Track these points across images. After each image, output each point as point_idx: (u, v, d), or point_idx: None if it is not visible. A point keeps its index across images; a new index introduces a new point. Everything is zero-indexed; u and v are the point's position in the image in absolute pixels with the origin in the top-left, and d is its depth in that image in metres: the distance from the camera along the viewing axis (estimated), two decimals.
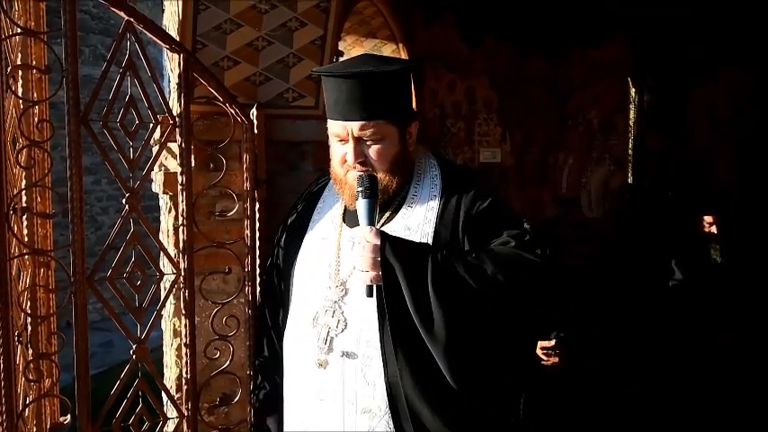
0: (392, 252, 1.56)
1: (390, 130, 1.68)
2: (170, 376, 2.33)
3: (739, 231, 5.28)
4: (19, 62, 1.92)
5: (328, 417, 1.65)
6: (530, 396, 1.74)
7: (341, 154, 1.71)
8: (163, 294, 1.98)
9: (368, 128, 1.65)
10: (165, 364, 2.37)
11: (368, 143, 1.67)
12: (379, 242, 1.57)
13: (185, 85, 1.90)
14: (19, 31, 1.76)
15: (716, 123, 5.66)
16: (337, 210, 1.82)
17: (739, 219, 5.34)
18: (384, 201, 1.71)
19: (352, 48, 4.22)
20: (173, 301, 2.24)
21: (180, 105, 1.90)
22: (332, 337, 1.65)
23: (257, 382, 1.96)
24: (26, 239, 1.94)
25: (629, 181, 5.83)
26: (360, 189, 1.62)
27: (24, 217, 1.96)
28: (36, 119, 2.01)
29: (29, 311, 1.94)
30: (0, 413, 1.58)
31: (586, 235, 5.43)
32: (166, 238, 2.29)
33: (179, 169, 1.92)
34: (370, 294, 1.58)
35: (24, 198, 1.95)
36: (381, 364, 1.60)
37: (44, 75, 2.01)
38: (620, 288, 5.07)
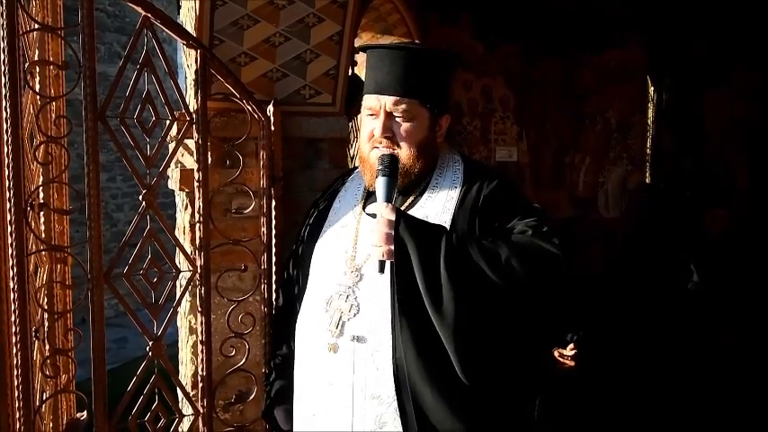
0: (406, 228, 1.56)
1: (422, 112, 1.70)
2: (185, 373, 2.32)
3: (754, 230, 5.23)
4: (36, 58, 1.92)
5: (338, 402, 1.65)
6: (545, 398, 1.71)
7: (369, 129, 1.72)
8: (179, 291, 1.98)
9: (401, 104, 1.67)
10: (180, 361, 2.37)
11: (398, 120, 1.69)
12: (393, 217, 1.57)
13: (202, 81, 1.90)
14: (36, 26, 1.76)
15: (733, 123, 5.59)
16: (359, 199, 1.83)
17: (754, 217, 5.29)
18: (404, 187, 1.71)
19: None
20: (188, 299, 2.23)
21: (197, 102, 1.90)
22: (343, 322, 1.65)
23: (271, 378, 1.96)
24: (43, 235, 1.94)
25: (647, 181, 5.78)
26: (380, 168, 1.64)
27: (42, 213, 1.96)
28: (53, 115, 2.01)
29: (46, 307, 1.94)
30: (17, 408, 1.58)
31: (603, 235, 5.39)
32: (182, 235, 2.28)
33: (195, 166, 1.91)
34: (381, 270, 1.57)
35: (42, 194, 1.95)
36: (392, 349, 1.59)
37: (61, 71, 2.01)
38: (636, 288, 5.02)
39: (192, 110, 1.91)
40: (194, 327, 2.17)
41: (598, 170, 5.61)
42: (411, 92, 1.67)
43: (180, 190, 2.29)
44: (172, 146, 1.97)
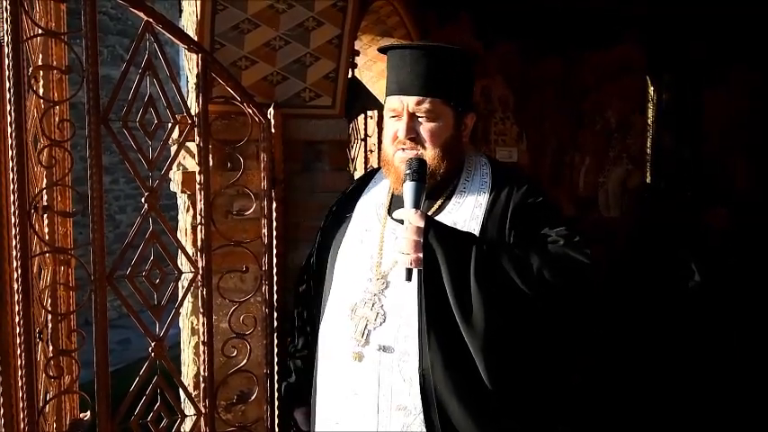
0: (435, 236, 1.52)
1: (446, 111, 1.67)
2: (188, 374, 2.34)
3: (753, 230, 5.24)
4: (40, 63, 1.94)
5: (362, 412, 1.61)
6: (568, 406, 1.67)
7: (393, 131, 1.68)
8: (181, 293, 1.99)
9: (424, 103, 1.64)
10: (182, 362, 2.39)
11: (421, 120, 1.65)
12: (422, 224, 1.53)
13: (203, 84, 1.91)
14: (40, 32, 1.78)
15: (732, 123, 5.60)
16: (382, 201, 1.78)
17: (753, 217, 5.30)
18: (430, 189, 1.66)
19: (368, 47, 4.21)
20: (190, 300, 2.25)
21: (198, 105, 1.91)
22: (369, 330, 1.61)
23: (289, 377, 1.93)
24: (47, 238, 1.96)
25: (647, 180, 5.79)
26: (408, 172, 1.60)
27: (45, 215, 1.98)
28: (57, 119, 2.03)
29: (50, 309, 1.96)
30: (21, 409, 1.59)
31: (604, 234, 5.39)
32: (184, 236, 2.30)
33: (197, 168, 1.93)
34: (408, 278, 1.53)
35: (45, 197, 1.97)
36: (419, 359, 1.55)
37: (64, 75, 2.03)
38: (637, 288, 5.02)
39: (193, 113, 1.93)
40: (196, 328, 2.19)
41: (598, 170, 5.62)
42: (434, 91, 1.64)
43: (182, 192, 2.31)
44: (174, 148, 1.99)
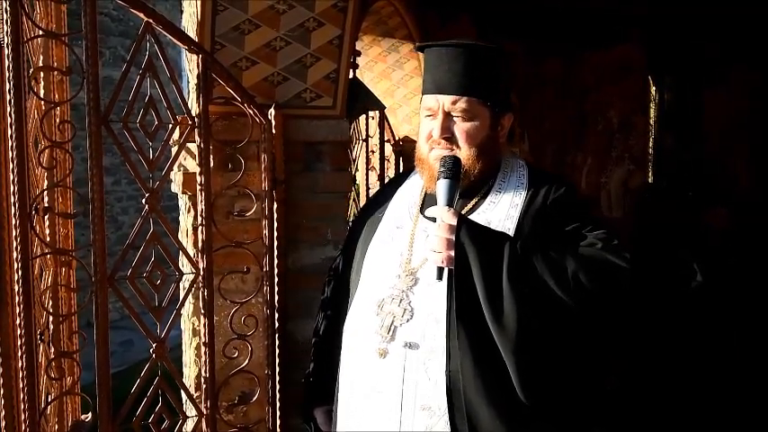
0: (468, 234, 1.49)
1: (482, 111, 1.63)
2: (189, 375, 2.34)
3: (754, 229, 5.24)
4: (41, 64, 1.94)
5: (385, 410, 1.57)
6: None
7: (428, 130, 1.65)
8: (182, 294, 1.99)
9: (459, 103, 1.60)
10: (184, 363, 2.39)
11: (456, 120, 1.62)
12: (455, 222, 1.50)
13: (204, 85, 1.91)
14: (40, 33, 1.78)
15: (732, 123, 5.60)
16: (415, 200, 1.75)
17: (754, 217, 5.30)
18: (465, 190, 1.64)
19: (369, 47, 4.22)
20: (192, 301, 2.25)
21: (199, 106, 1.91)
22: (395, 326, 1.57)
23: (312, 377, 1.88)
24: (48, 239, 1.96)
25: (649, 180, 5.79)
26: (442, 169, 1.57)
27: (46, 217, 1.98)
28: (57, 120, 2.03)
29: (51, 310, 1.96)
30: (23, 410, 1.59)
31: None
32: (185, 237, 2.30)
33: (198, 169, 1.93)
34: (439, 277, 1.51)
35: (46, 198, 1.97)
36: (445, 359, 1.51)
37: (65, 76, 2.04)
38: (640, 289, 5.02)
39: (194, 114, 1.93)
40: (197, 329, 2.19)
41: (600, 170, 5.62)
42: (470, 90, 1.60)
43: (182, 193, 2.31)
44: (174, 149, 1.99)
